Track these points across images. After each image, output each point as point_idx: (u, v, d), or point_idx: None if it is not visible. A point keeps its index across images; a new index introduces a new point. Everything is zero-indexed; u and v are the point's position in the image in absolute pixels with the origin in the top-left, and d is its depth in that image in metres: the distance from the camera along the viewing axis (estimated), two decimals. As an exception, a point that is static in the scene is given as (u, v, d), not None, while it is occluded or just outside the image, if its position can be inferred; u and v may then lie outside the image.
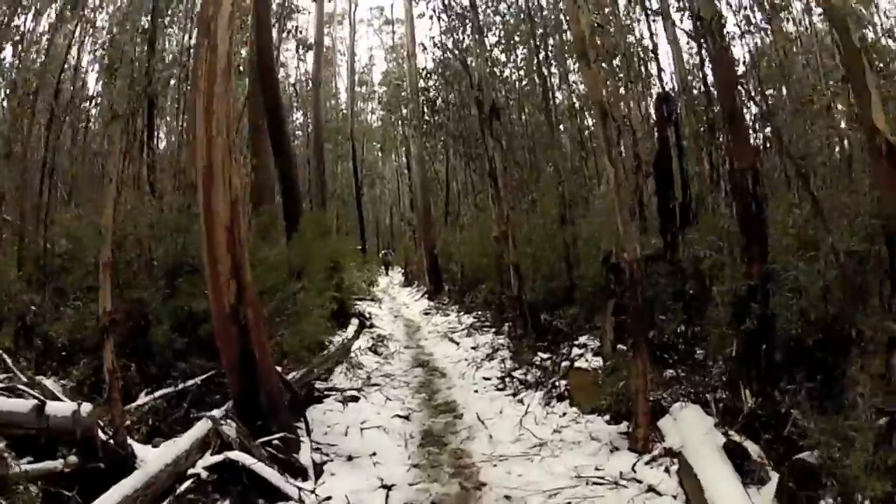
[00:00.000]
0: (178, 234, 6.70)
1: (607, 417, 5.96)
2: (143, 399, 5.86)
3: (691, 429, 4.86)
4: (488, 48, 14.79)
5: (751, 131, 8.63)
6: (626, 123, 9.17)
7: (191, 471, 4.18)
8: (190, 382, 5.86)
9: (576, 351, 7.72)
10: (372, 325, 13.34)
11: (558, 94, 17.15)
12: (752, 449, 4.35)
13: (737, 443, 4.37)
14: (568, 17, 10.70)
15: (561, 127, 18.88)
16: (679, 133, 8.27)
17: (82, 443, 4.06)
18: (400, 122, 27.05)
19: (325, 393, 7.56)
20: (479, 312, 13.36)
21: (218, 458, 4.25)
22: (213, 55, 5.31)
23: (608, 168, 5.17)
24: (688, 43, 11.36)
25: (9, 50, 10.01)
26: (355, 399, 7.60)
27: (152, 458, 4.29)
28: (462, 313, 14.23)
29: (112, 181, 4.42)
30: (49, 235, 7.32)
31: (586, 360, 7.39)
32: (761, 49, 10.98)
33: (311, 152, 21.04)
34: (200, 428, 4.62)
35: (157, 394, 5.85)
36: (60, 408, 4.13)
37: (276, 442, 4.75)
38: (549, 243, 9.25)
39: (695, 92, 10.93)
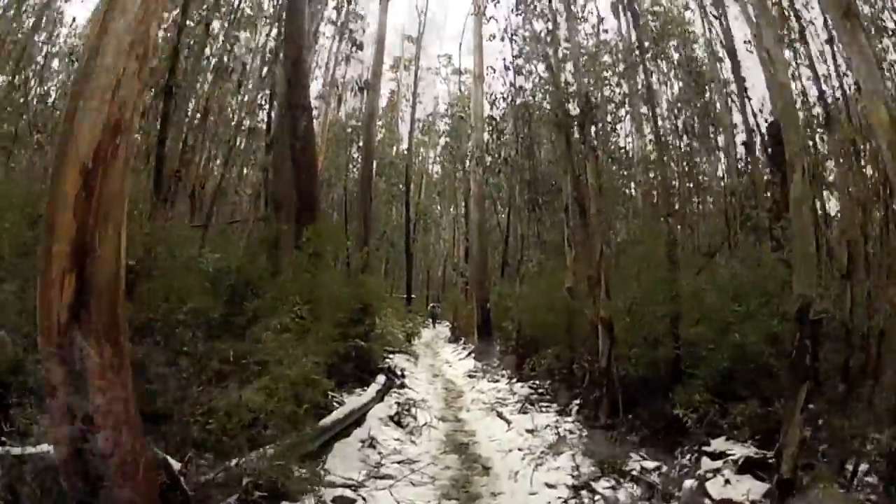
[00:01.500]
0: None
1: None
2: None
3: None
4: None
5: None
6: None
7: None
8: (34, 450, 3.28)
9: (707, 463, 4.78)
10: (403, 385, 10.64)
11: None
12: None
13: None
14: None
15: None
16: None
17: None
18: (460, 163, 24.87)
19: (308, 486, 4.92)
20: (537, 382, 10.44)
21: None
22: None
23: (874, 115, 2.43)
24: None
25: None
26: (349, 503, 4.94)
27: None
28: (515, 380, 11.35)
29: None
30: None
31: (727, 481, 4.49)
32: None
33: (357, 179, 18.86)
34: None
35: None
36: None
37: None
38: (664, 291, 6.18)
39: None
